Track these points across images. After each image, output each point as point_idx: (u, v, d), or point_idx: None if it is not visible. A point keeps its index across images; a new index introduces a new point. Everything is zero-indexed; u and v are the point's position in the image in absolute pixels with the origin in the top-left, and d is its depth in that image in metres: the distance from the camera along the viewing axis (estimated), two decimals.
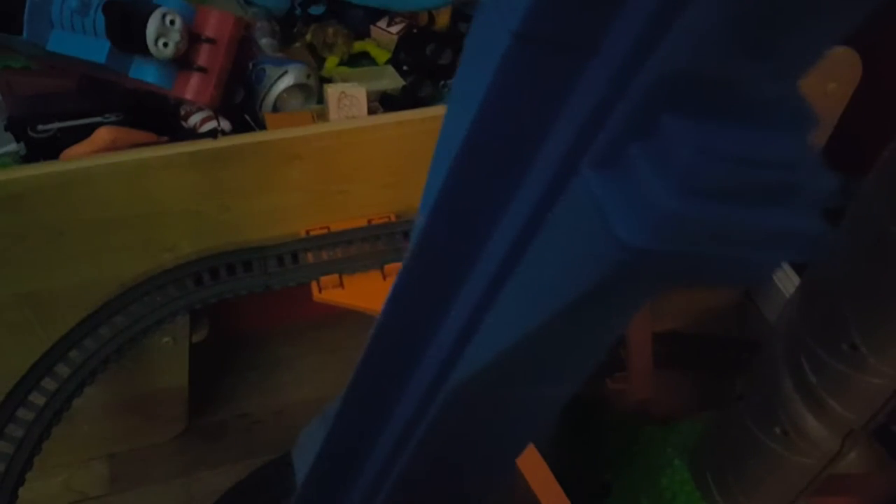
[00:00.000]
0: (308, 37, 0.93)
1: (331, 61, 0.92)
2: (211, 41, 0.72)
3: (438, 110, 0.79)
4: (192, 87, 0.74)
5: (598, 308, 0.23)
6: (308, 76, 0.81)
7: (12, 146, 0.69)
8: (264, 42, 0.85)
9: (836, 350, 0.50)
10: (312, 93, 0.82)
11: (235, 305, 0.83)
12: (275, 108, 0.80)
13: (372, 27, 0.96)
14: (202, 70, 0.72)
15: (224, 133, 0.73)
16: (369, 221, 0.83)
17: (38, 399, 0.69)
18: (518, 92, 0.23)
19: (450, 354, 0.31)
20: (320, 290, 0.80)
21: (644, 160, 0.18)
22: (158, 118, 0.74)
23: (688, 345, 1.05)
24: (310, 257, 0.80)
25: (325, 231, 0.82)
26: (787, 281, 1.08)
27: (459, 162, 0.26)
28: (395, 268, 0.81)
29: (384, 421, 0.37)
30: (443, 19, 0.99)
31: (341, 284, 0.80)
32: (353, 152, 0.75)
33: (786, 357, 0.54)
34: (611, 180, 0.19)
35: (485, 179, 0.27)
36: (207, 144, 0.70)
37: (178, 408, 0.98)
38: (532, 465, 0.71)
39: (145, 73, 0.71)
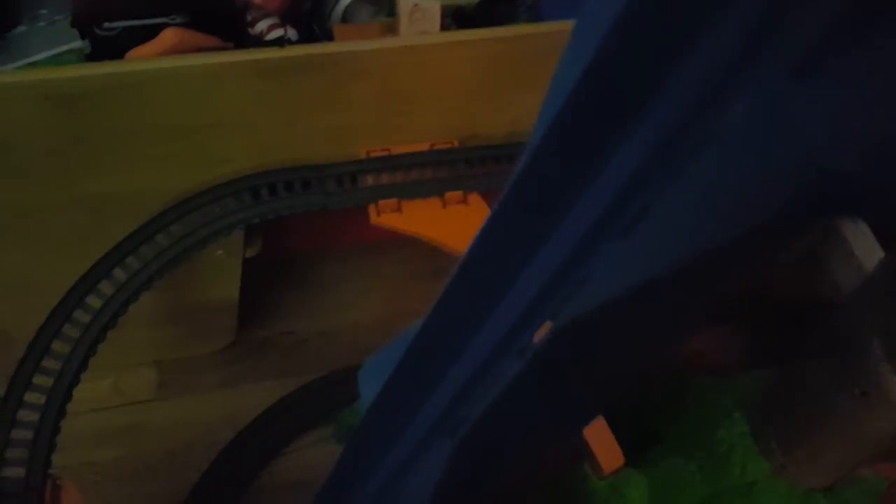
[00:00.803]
0: None
1: None
2: None
3: (515, 30, 0.75)
4: None
5: (752, 244, 0.20)
6: None
7: (77, 43, 0.68)
8: None
9: None
10: (383, 4, 0.78)
11: (289, 224, 0.82)
12: (343, 19, 0.76)
13: None
14: None
15: (290, 42, 0.70)
16: (432, 146, 0.80)
17: (94, 302, 0.70)
18: None
19: (550, 287, 0.29)
20: (378, 214, 0.78)
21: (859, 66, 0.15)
22: (225, 23, 0.71)
23: (744, 299, 1.01)
24: (369, 180, 0.78)
25: (385, 153, 0.79)
26: (857, 238, 1.03)
27: (591, 71, 0.23)
28: (455, 196, 0.79)
29: (465, 351, 0.36)
30: None
31: (399, 209, 0.78)
32: (421, 71, 0.72)
33: (875, 319, 0.51)
34: (812, 89, 0.16)
35: (614, 96, 0.24)
36: (273, 53, 0.67)
37: (227, 321, 0.98)
38: None
39: None
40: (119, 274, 0.71)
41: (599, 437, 0.73)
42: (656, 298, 0.25)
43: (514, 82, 0.75)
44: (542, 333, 0.34)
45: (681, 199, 0.24)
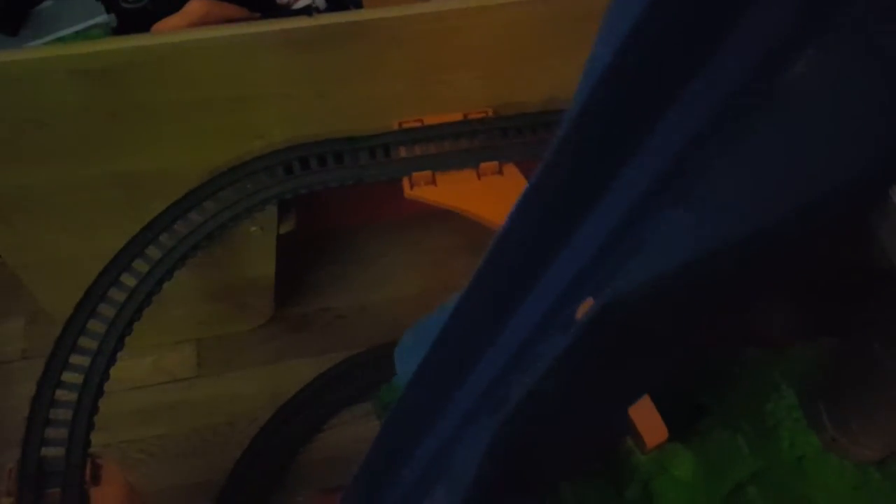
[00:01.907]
0: None
1: None
2: None
3: None
4: None
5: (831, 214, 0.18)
6: None
7: (102, 17, 0.67)
8: None
9: None
10: None
11: (323, 199, 0.80)
12: None
13: None
14: None
15: (319, 11, 0.68)
16: (465, 116, 0.78)
17: (129, 280, 0.69)
18: None
19: (595, 260, 0.27)
20: (412, 187, 0.76)
21: None
22: None
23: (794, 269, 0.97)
24: (402, 151, 0.76)
25: (418, 124, 0.77)
26: None
27: (642, 25, 0.21)
28: (490, 167, 0.76)
29: (505, 328, 0.34)
30: None
31: (433, 182, 0.76)
32: (455, 38, 0.70)
33: None
34: None
35: (666, 51, 0.22)
36: (302, 23, 0.65)
37: (265, 298, 0.98)
38: None
39: None
40: (153, 252, 0.71)
41: (642, 411, 0.71)
42: (713, 275, 0.23)
43: (552, 46, 0.72)
44: (584, 309, 0.33)
45: (740, 165, 0.22)
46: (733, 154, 0.21)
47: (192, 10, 0.65)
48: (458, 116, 0.78)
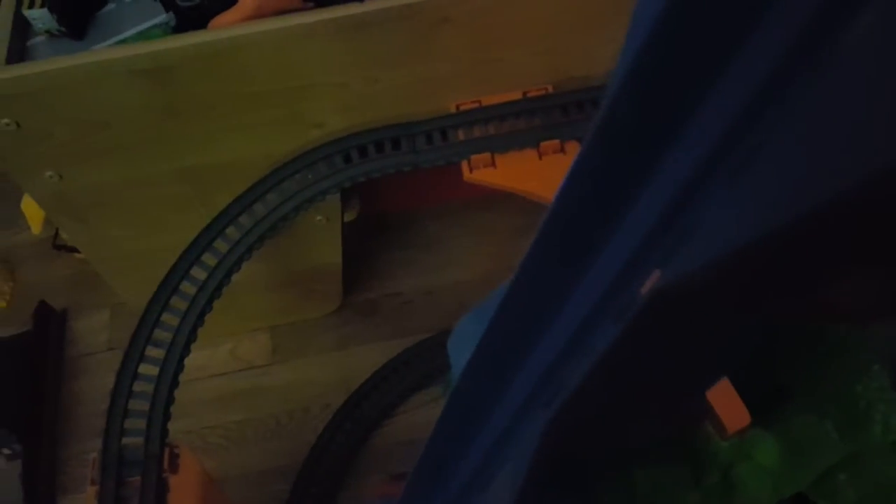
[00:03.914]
0: None
1: None
2: None
3: None
4: None
5: None
6: None
7: (162, 17, 0.68)
8: None
9: None
10: None
11: (386, 185, 0.80)
12: None
13: None
14: None
15: None
16: (524, 94, 0.76)
17: (199, 273, 0.71)
18: None
19: (652, 238, 0.25)
20: (471, 170, 0.74)
21: None
22: None
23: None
24: (460, 134, 0.75)
25: (476, 105, 0.75)
26: None
27: None
28: (551, 146, 0.74)
29: (559, 314, 0.32)
30: None
31: (493, 164, 0.74)
32: (508, 13, 0.67)
33: None
34: None
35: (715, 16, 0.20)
36: (351, 10, 0.65)
37: (333, 285, 0.99)
38: None
39: None
40: (220, 245, 0.72)
41: (721, 394, 0.68)
42: (780, 253, 0.21)
43: (612, 13, 0.69)
44: (650, 286, 0.31)
45: (797, 138, 0.20)
46: (785, 128, 0.19)
47: (246, 4, 0.65)
48: (517, 95, 0.76)
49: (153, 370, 0.66)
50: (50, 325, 1.03)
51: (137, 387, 0.65)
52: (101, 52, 0.66)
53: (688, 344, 0.36)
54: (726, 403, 0.68)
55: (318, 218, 0.83)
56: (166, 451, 0.63)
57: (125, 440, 0.62)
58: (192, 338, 0.69)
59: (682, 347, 0.36)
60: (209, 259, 0.72)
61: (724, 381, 0.68)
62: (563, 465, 0.42)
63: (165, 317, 0.68)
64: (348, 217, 0.86)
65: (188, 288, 0.70)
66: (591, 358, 0.33)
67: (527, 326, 0.37)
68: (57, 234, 1.07)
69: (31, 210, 1.07)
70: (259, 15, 0.66)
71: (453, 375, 0.44)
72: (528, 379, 0.40)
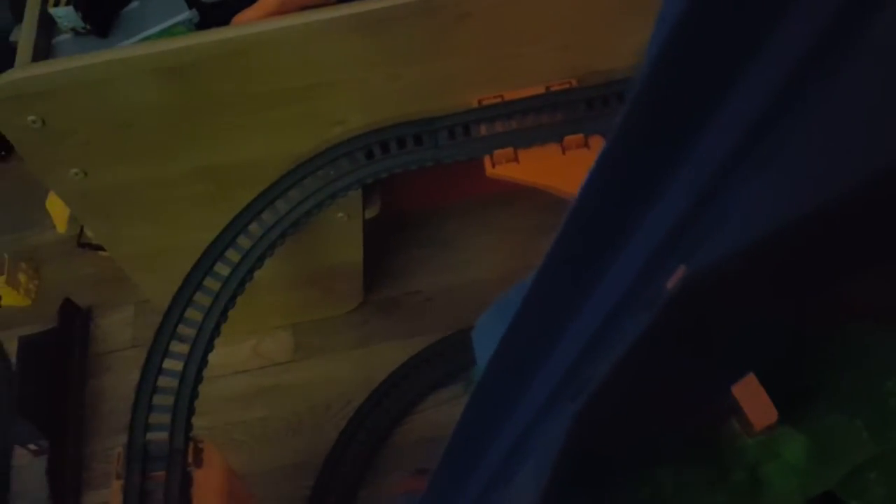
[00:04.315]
0: None
1: None
2: None
3: None
4: None
5: None
6: None
7: (186, 14, 0.68)
8: None
9: None
10: None
11: (407, 182, 0.80)
12: None
13: None
14: None
15: None
16: (547, 88, 0.75)
17: (222, 270, 0.71)
18: None
19: (678, 228, 0.24)
20: (493, 165, 0.74)
21: None
22: None
23: None
24: (482, 129, 0.74)
25: (498, 100, 0.75)
26: None
27: None
28: (575, 140, 0.74)
29: (584, 306, 0.32)
30: None
31: (516, 159, 0.74)
32: (529, 7, 0.67)
33: None
34: None
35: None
36: (372, 5, 0.65)
37: (354, 283, 0.99)
38: None
39: None
40: (243, 241, 0.72)
41: (748, 391, 0.67)
42: (804, 244, 0.20)
43: (636, 5, 0.68)
44: (675, 280, 0.30)
45: (825, 127, 0.19)
46: (814, 116, 0.18)
47: (269, 0, 0.66)
48: (540, 89, 0.75)
49: (178, 365, 0.66)
50: (75, 322, 1.04)
51: (162, 382, 0.65)
52: (124, 50, 0.66)
53: (713, 339, 0.36)
54: (753, 400, 0.67)
55: (340, 215, 0.84)
56: (190, 445, 0.63)
57: (150, 435, 0.63)
58: (215, 333, 0.69)
59: (707, 343, 0.36)
60: (232, 255, 0.72)
61: (751, 377, 0.67)
62: (587, 463, 0.42)
63: (189, 312, 0.69)
64: (369, 214, 0.86)
65: (212, 283, 0.71)
66: (617, 352, 0.33)
67: (551, 322, 0.37)
68: (81, 232, 1.08)
69: (56, 209, 1.08)
70: (282, 11, 0.66)
71: (478, 369, 0.43)
72: (552, 375, 0.39)
